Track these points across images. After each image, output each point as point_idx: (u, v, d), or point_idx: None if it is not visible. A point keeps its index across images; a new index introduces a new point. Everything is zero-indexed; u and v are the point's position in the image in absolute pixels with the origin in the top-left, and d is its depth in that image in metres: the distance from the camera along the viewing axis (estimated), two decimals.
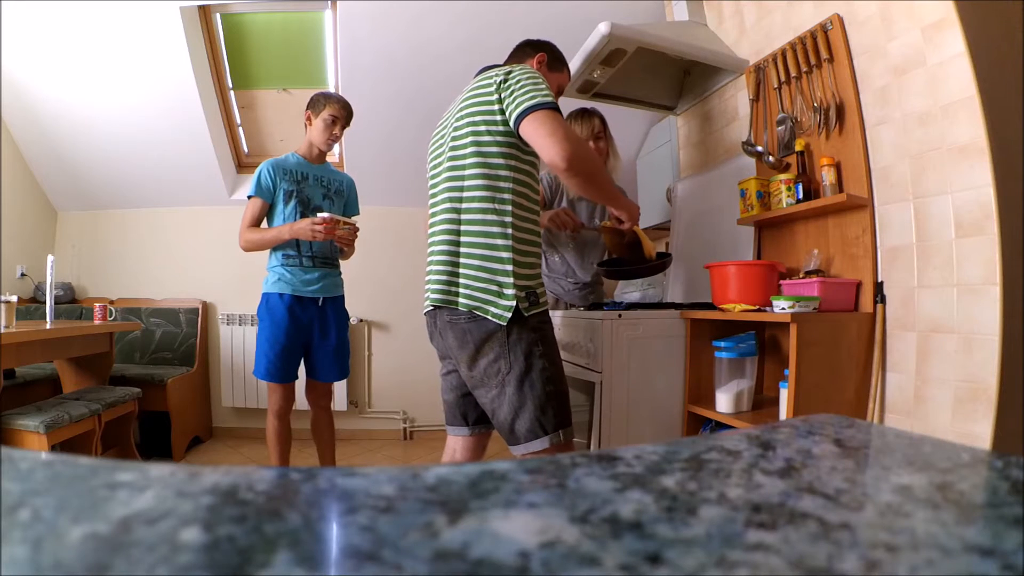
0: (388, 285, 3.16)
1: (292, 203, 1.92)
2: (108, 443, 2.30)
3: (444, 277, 1.20)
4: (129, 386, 2.46)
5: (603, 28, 1.90)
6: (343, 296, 2.08)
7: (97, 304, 2.50)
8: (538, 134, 1.11)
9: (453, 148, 1.23)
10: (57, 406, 2.01)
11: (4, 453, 0.27)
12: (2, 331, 1.77)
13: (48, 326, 2.09)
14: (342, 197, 2.07)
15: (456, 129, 1.23)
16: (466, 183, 1.19)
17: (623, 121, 2.89)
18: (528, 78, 1.16)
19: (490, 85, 1.18)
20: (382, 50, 2.61)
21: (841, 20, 1.65)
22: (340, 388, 3.03)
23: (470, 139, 1.19)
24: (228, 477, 0.26)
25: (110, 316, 2.57)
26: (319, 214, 1.84)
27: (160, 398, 2.65)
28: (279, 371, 1.89)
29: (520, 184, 1.20)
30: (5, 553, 0.18)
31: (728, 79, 2.22)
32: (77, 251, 3.27)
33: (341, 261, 2.09)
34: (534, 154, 1.22)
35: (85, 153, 3.04)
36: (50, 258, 2.21)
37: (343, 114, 1.97)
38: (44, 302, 2.57)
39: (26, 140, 3.04)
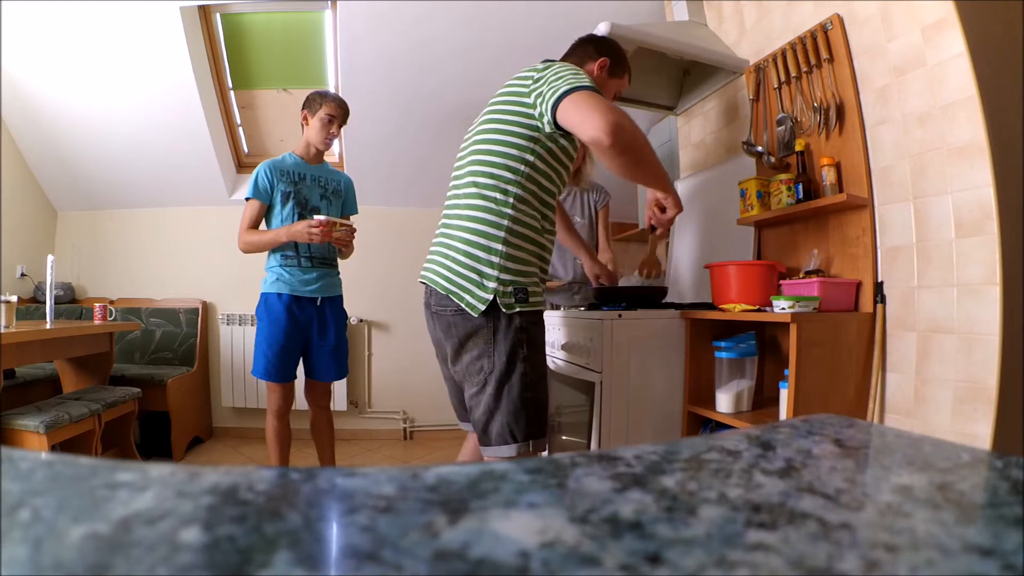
0: (388, 285, 3.16)
1: (290, 204, 1.92)
2: (108, 443, 2.30)
3: (435, 256, 1.20)
4: (129, 386, 2.46)
5: (603, 28, 1.90)
6: (341, 296, 2.09)
7: (97, 304, 2.50)
8: (577, 112, 1.02)
9: (480, 132, 1.20)
10: (57, 406, 2.01)
11: (4, 453, 0.27)
12: (2, 331, 1.77)
13: (48, 326, 2.09)
14: (340, 197, 2.07)
15: (488, 114, 1.20)
16: (481, 168, 1.16)
17: None
18: (566, 70, 1.09)
19: (528, 78, 1.14)
20: (382, 50, 2.61)
21: (841, 20, 1.65)
22: (340, 388, 3.03)
23: (495, 126, 1.16)
24: (228, 477, 0.26)
25: (110, 316, 2.57)
26: (315, 216, 1.84)
27: (160, 398, 2.65)
28: (277, 371, 1.90)
29: (533, 182, 1.16)
30: (5, 553, 0.18)
31: (728, 79, 2.21)
32: (77, 251, 3.27)
33: (341, 260, 2.09)
34: (563, 155, 1.19)
35: (85, 153, 3.04)
36: (50, 258, 2.21)
37: (340, 113, 1.97)
38: (44, 302, 2.57)
39: (26, 140, 3.04)
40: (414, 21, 2.51)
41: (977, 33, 1.31)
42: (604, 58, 1.31)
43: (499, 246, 1.12)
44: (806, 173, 1.75)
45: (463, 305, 1.12)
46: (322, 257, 1.98)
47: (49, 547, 0.19)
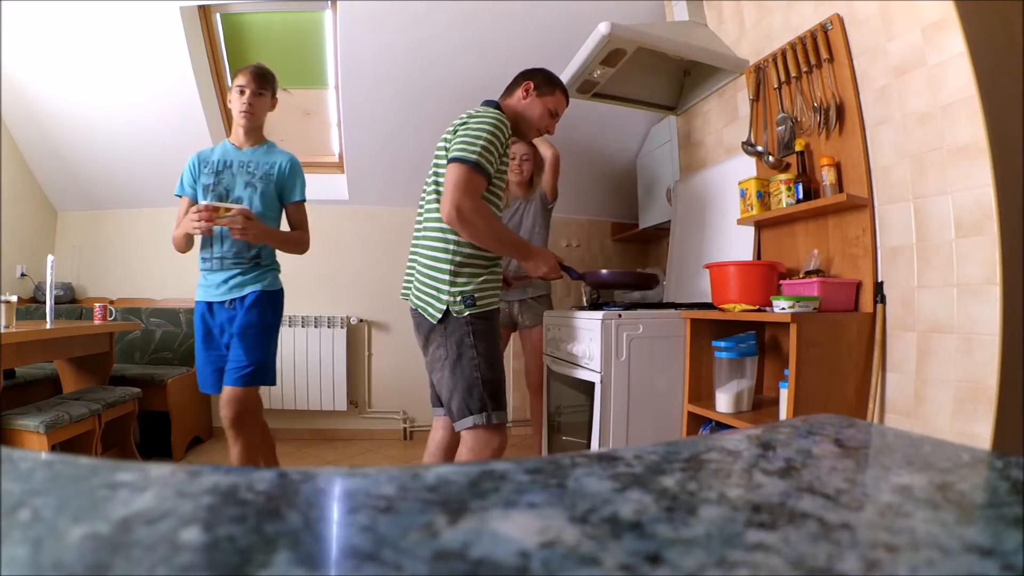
0: (388, 285, 3.15)
1: (210, 197, 1.74)
2: (108, 443, 2.30)
3: (409, 275, 1.50)
4: (129, 386, 2.46)
5: (603, 28, 1.90)
6: (262, 292, 1.76)
7: (97, 304, 2.50)
8: (446, 183, 1.33)
9: (433, 169, 1.45)
10: (57, 406, 2.01)
11: (4, 453, 0.27)
12: (2, 331, 1.77)
13: (48, 326, 2.09)
14: (271, 182, 1.78)
15: (436, 156, 1.44)
16: (429, 205, 1.43)
17: (623, 121, 2.90)
18: (474, 129, 1.35)
19: (453, 130, 1.40)
20: (382, 50, 2.61)
21: (841, 20, 1.65)
22: (340, 388, 3.03)
23: (439, 169, 1.41)
24: (228, 477, 0.26)
25: (110, 316, 2.57)
26: (202, 203, 1.66)
27: (160, 398, 2.65)
28: (205, 381, 1.78)
29: None
30: (5, 553, 0.18)
31: (728, 79, 2.22)
32: (77, 251, 3.27)
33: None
34: (495, 186, 1.41)
35: (85, 153, 3.03)
36: (50, 258, 2.21)
37: (246, 79, 1.77)
38: (44, 302, 2.56)
39: (26, 140, 3.03)
40: (414, 21, 2.51)
41: (977, 33, 1.31)
42: (528, 81, 1.51)
43: (448, 266, 1.39)
44: (806, 173, 1.75)
45: (426, 316, 1.42)
46: (234, 256, 1.73)
47: (49, 547, 0.19)
